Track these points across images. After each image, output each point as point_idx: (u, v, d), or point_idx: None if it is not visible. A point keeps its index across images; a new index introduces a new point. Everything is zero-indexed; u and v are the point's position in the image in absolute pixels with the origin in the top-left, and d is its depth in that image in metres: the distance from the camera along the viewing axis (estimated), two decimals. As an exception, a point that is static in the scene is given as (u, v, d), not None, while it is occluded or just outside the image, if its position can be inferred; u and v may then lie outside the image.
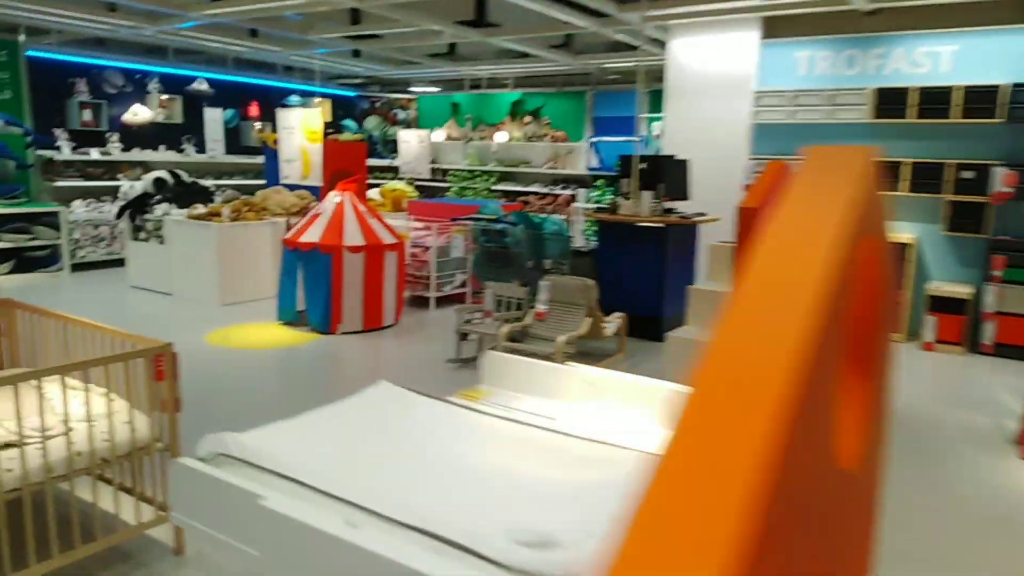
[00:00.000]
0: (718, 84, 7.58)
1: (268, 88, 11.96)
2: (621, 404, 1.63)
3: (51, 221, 8.71)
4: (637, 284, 6.44)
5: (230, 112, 11.21)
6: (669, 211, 6.52)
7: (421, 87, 14.13)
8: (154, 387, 2.75)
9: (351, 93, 13.50)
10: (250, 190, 11.29)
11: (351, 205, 6.61)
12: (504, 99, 12.50)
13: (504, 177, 12.86)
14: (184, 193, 8.05)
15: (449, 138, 13.14)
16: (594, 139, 11.30)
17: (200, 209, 7.70)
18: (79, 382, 2.75)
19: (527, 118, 12.36)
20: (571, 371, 1.76)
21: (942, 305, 6.46)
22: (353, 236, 6.41)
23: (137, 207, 8.03)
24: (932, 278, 6.75)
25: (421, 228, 7.63)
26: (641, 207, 6.37)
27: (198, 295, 7.58)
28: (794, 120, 7.16)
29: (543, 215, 7.07)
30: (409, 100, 13.74)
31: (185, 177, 8.28)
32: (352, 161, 8.96)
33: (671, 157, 6.62)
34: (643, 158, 6.65)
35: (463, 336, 6.35)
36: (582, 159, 11.96)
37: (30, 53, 9.04)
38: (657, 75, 11.56)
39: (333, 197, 6.64)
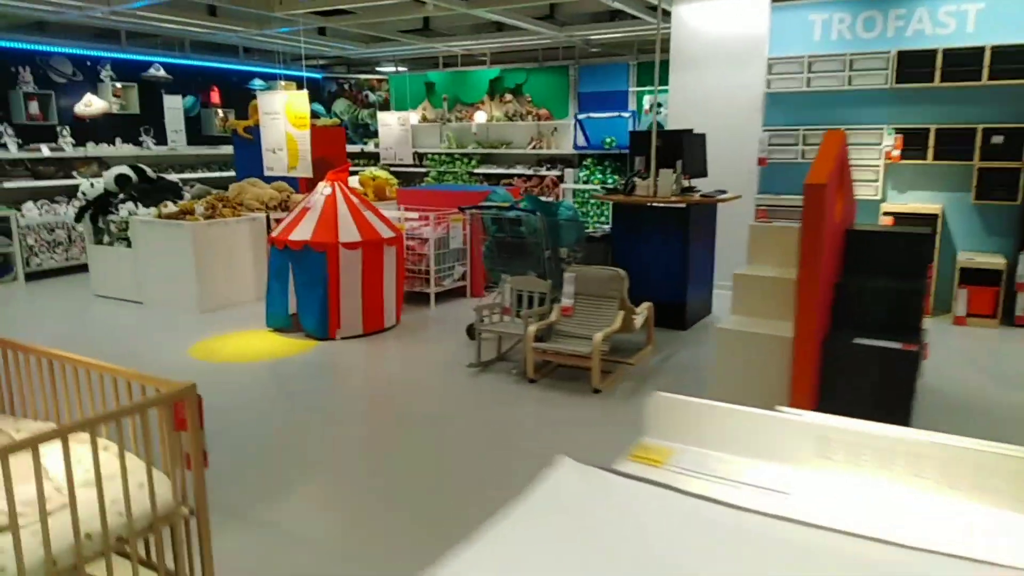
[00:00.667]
0: (727, 52, 7.14)
1: (228, 72, 11.16)
2: (886, 474, 1.17)
3: (0, 227, 7.89)
4: (658, 270, 6.00)
5: (190, 99, 10.40)
6: (688, 190, 6.08)
7: (390, 67, 13.42)
8: (174, 438, 2.20)
9: (316, 75, 12.73)
10: (219, 183, 10.53)
11: (343, 197, 6.02)
12: (482, 76, 11.90)
13: (485, 159, 12.30)
14: (151, 190, 7.32)
15: (424, 120, 12.50)
16: (581, 116, 10.80)
17: (171, 207, 7.00)
18: (81, 435, 2.18)
19: (507, 96, 11.79)
20: (788, 420, 1.29)
21: (973, 277, 6.17)
22: (348, 231, 5.83)
23: (99, 207, 7.28)
24: (962, 249, 6.46)
25: (416, 219, 7.06)
26: (660, 187, 5.92)
27: (173, 303, 6.91)
28: (810, 88, 6.77)
29: (556, 199, 6.56)
30: (379, 81, 13.03)
31: (150, 172, 7.55)
32: (331, 148, 8.33)
33: (689, 131, 6.17)
34: (659, 134, 6.19)
35: (471, 334, 5.85)
36: (568, 138, 11.46)
37: (-36, 40, 8.13)
38: (647, 46, 11.09)
39: (322, 189, 6.03)
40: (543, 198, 6.17)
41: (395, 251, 6.15)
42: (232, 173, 10.64)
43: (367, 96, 13.00)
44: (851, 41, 6.65)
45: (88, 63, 9.30)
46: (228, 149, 10.66)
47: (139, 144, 9.79)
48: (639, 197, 6.02)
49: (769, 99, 7.04)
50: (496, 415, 4.30)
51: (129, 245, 7.17)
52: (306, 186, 7.95)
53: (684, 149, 6.10)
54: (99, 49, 9.39)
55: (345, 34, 11.14)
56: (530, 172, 11.56)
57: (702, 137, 6.44)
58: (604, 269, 4.98)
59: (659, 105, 10.45)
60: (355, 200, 6.08)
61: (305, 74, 12.41)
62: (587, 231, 6.39)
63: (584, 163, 11.12)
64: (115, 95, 9.47)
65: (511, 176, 11.80)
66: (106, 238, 7.37)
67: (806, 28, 6.83)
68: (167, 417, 2.16)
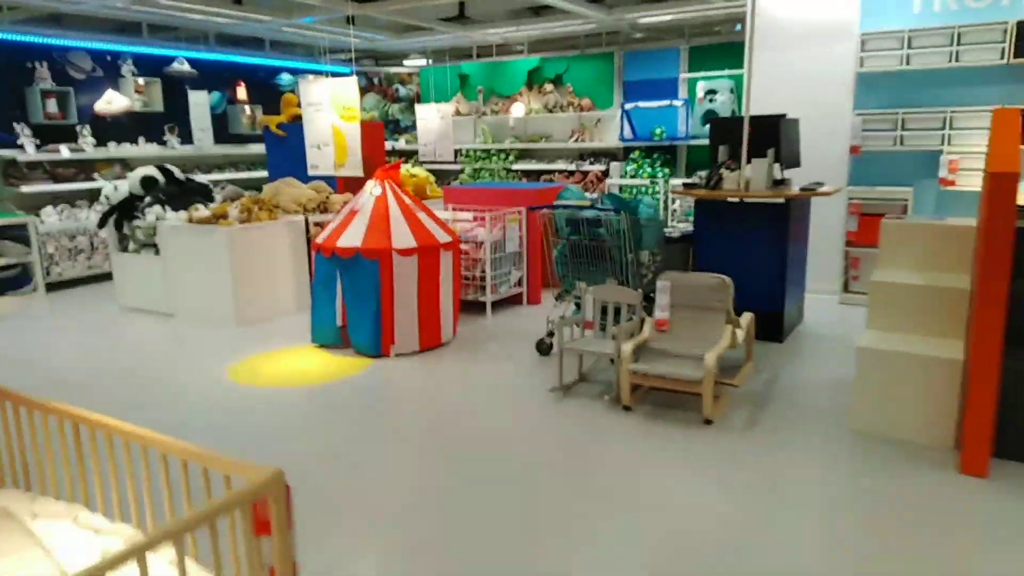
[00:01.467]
0: (814, 29, 6.41)
1: (254, 67, 10.57)
2: None
3: (18, 234, 7.35)
4: (751, 275, 5.31)
5: (216, 95, 9.82)
6: (781, 182, 5.39)
7: (420, 59, 12.78)
8: (253, 546, 1.56)
9: (345, 70, 12.11)
10: (250, 184, 9.95)
11: (395, 198, 5.38)
12: (519, 67, 11.22)
13: (523, 155, 11.63)
14: (179, 193, 6.73)
15: (458, 114, 11.85)
16: (628, 106, 10.10)
17: (202, 211, 6.41)
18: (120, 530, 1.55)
19: (547, 86, 11.11)
20: None
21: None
22: (403, 236, 5.20)
23: (123, 212, 6.70)
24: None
25: (469, 220, 6.41)
26: (753, 180, 5.22)
27: (208, 315, 6.32)
28: (910, 67, 6.03)
29: (635, 196, 5.89)
30: (409, 74, 12.40)
31: (178, 173, 6.95)
32: (371, 145, 7.71)
33: (783, 116, 5.47)
34: (750, 120, 5.49)
35: (541, 349, 5.20)
36: (612, 129, 10.77)
37: (-23, 35, 7.59)
38: (699, 29, 10.38)
39: (371, 189, 5.40)
40: (636, 197, 5.51)
41: (452, 257, 5.51)
42: (263, 173, 10.07)
43: (397, 91, 12.37)
44: (957, 12, 5.90)
45: (108, 57, 8.73)
46: (257, 148, 10.09)
47: (163, 143, 9.22)
48: (727, 192, 5.33)
49: (860, 80, 6.31)
50: (593, 455, 3.64)
51: (157, 252, 6.59)
52: (344, 186, 7.33)
53: (779, 136, 5.40)
54: (120, 43, 8.82)
55: (375, 23, 10.52)
56: (572, 167, 10.88)
57: (796, 123, 5.74)
58: (705, 276, 4.30)
59: (712, 92, 9.75)
60: (408, 201, 5.44)
61: (331, 68, 11.81)
62: (664, 231, 5.71)
63: (631, 156, 10.42)
64: (137, 91, 8.90)
65: (551, 172, 11.12)
66: (132, 245, 6.79)
67: (905, -1, 6.09)
68: (245, 518, 1.53)
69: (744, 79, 5.70)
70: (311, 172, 6.45)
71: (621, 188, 10.32)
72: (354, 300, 5.22)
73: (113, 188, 6.73)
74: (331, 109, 5.95)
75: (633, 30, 10.17)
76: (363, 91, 12.47)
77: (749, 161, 5.27)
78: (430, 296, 5.34)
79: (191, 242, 6.26)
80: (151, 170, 6.77)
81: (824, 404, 4.20)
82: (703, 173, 5.68)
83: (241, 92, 10.20)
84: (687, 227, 5.84)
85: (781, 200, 5.23)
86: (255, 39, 10.69)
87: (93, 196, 8.51)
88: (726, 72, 9.64)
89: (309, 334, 5.61)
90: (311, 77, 6.18)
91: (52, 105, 8.07)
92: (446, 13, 9.96)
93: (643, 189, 10.11)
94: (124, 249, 6.88)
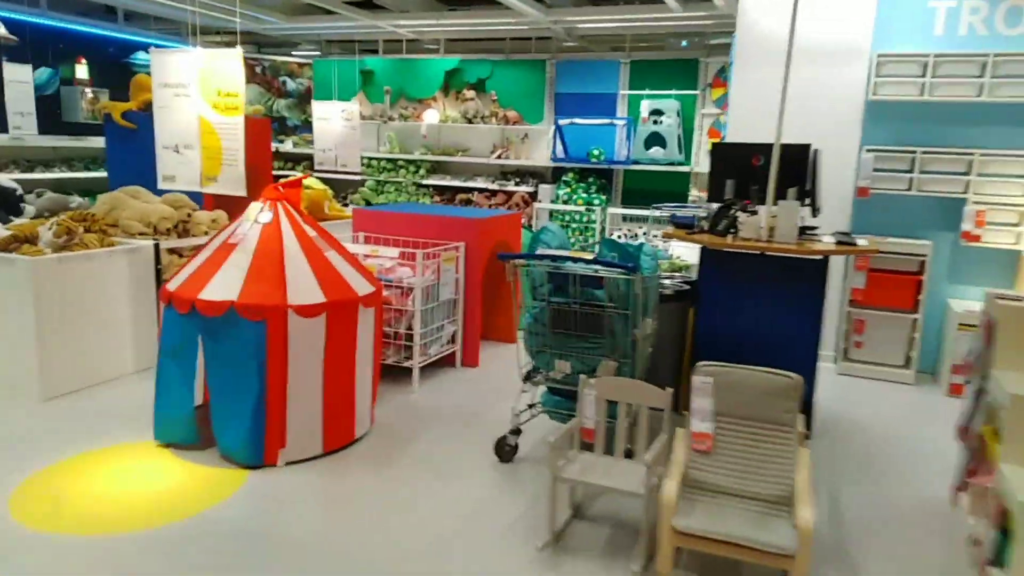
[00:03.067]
0: (817, 46, 5.33)
1: (102, 40, 8.39)
2: None
3: None
4: (773, 349, 4.06)
5: (46, 72, 7.60)
6: (807, 231, 4.19)
7: (311, 49, 10.95)
8: None
9: (222, 54, 10.07)
10: (86, 188, 7.76)
11: (292, 228, 3.70)
12: (435, 67, 9.67)
13: (436, 169, 10.07)
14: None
15: (359, 117, 10.10)
16: (563, 121, 8.80)
17: (-4, 229, 4.41)
18: None
19: (468, 92, 9.62)
20: None
21: None
22: (304, 286, 3.53)
23: None
24: None
25: (388, 256, 4.79)
26: (781, 226, 3.97)
27: (1, 383, 4.32)
28: (931, 97, 5.05)
29: (633, 241, 4.47)
30: (301, 65, 10.53)
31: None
32: (255, 150, 5.93)
33: (806, 146, 4.27)
34: (763, 148, 4.26)
35: (501, 453, 3.69)
36: (542, 147, 9.44)
37: None
38: (643, 41, 9.26)
39: (257, 214, 3.69)
40: (632, 243, 4.06)
41: (374, 315, 3.89)
42: (102, 173, 7.91)
43: (284, 84, 10.47)
44: (987, 38, 4.99)
45: None
46: (99, 142, 7.93)
47: (-36, 128, 6.92)
48: (745, 242, 4.04)
49: (871, 109, 5.29)
50: None
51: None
52: (214, 202, 5.49)
53: (810, 172, 4.20)
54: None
55: (263, 3, 8.66)
56: (495, 186, 9.44)
57: (816, 154, 4.58)
58: (764, 374, 2.95)
59: (658, 113, 8.64)
60: (311, 233, 3.77)
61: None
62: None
63: (564, 178, 9.12)
64: (-75, 56, 6.59)
65: (470, 190, 9.64)
66: None
67: (927, 18, 5.12)
68: None
69: (780, 101, 4.47)
70: (163, 185, 4.43)
71: (552, 214, 8.98)
72: (224, 380, 3.48)
73: None
74: (199, 95, 4.07)
75: (568, 36, 8.91)
76: (243, 82, 10.46)
77: (776, 202, 4.02)
78: (341, 373, 3.69)
79: (-25, 275, 4.25)
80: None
81: (934, 552, 2.94)
82: (703, 209, 4.39)
83: (81, 70, 8.01)
84: (679, 282, 4.52)
85: (819, 257, 4.01)
86: (106, 7, 8.52)
87: None
88: (673, 92, 8.57)
89: (150, 423, 3.79)
90: (170, 49, 4.29)
91: None
92: (351, -3, 8.29)
93: (578, 216, 8.82)
94: None
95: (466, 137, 9.89)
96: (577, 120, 8.76)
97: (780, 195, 4.11)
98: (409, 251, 4.68)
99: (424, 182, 9.85)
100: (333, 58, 10.49)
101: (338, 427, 3.74)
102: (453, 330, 5.12)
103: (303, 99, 10.45)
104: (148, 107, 5.86)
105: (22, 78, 7.11)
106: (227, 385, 3.48)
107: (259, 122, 6.18)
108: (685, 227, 4.40)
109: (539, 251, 3.59)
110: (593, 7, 7.88)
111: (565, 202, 8.96)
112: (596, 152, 8.77)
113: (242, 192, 3.87)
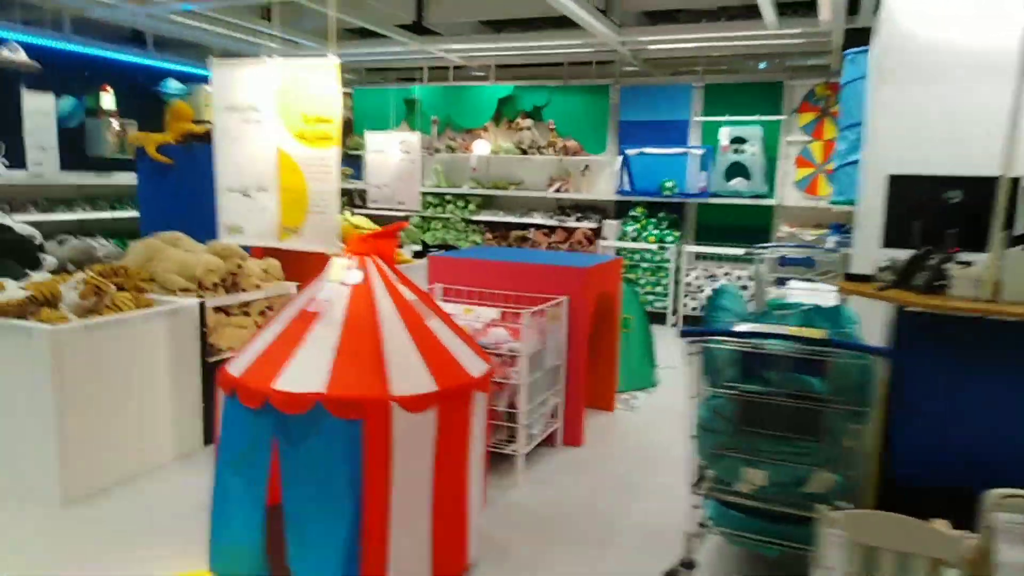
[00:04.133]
0: (980, 56, 4.48)
1: (129, 67, 7.69)
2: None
3: None
4: (1010, 450, 3.13)
5: (69, 102, 6.88)
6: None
7: (350, 75, 10.25)
8: None
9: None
10: (112, 230, 7.00)
11: (388, 292, 2.86)
12: (486, 94, 8.91)
13: (486, 203, 9.26)
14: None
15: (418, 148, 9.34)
16: (631, 151, 8.00)
17: (12, 290, 3.59)
18: None
19: (523, 120, 8.85)
20: None
21: None
22: (409, 369, 2.67)
23: None
24: None
25: (483, 317, 3.94)
26: (1010, 282, 3.08)
27: (11, 483, 3.47)
28: None
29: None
30: (344, 94, 9.81)
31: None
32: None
33: (1015, 180, 3.41)
34: (962, 182, 3.41)
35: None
36: (604, 179, 8.63)
37: None
38: (720, 63, 8.47)
39: (343, 271, 2.85)
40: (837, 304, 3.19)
41: (484, 402, 3.01)
42: (133, 213, 7.14)
43: (323, 114, 9.73)
44: None
45: None
46: (126, 178, 7.17)
47: (-23, 165, 6.17)
48: (960, 302, 3.15)
49: (1051, 133, 4.41)
50: None
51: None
52: (263, 250, 4.65)
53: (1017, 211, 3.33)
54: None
55: (301, 27, 7.95)
56: (553, 222, 8.62)
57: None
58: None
59: (740, 141, 7.83)
60: (410, 297, 2.92)
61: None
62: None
63: (632, 213, 8.29)
64: (-64, 85, 5.87)
65: (526, 226, 8.82)
66: None
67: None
68: None
69: (872, 122, 3.63)
70: (229, 238, 3.44)
71: (619, 252, 8.13)
72: (305, 498, 2.61)
73: None
74: (278, 120, 3.20)
75: (633, 59, 8.14)
76: (277, 113, 9.75)
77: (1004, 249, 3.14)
78: (453, 480, 2.81)
79: (-18, 347, 3.42)
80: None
81: None
82: (887, 260, 3.51)
83: (107, 99, 7.29)
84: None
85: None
86: (132, 30, 7.84)
87: None
88: (755, 117, 7.75)
89: (198, 536, 2.91)
90: (232, 60, 3.43)
91: None
92: (401, 19, 7.58)
93: (648, 255, 7.97)
94: None
95: (519, 169, 9.10)
96: (647, 149, 7.95)
97: (976, 235, 3.24)
98: (511, 308, 3.82)
99: (474, 218, 9.04)
100: (376, 86, 9.78)
101: (449, 552, 2.85)
102: (555, 403, 4.23)
103: (347, 131, 9.71)
104: (187, 139, 5.11)
105: (42, 108, 6.38)
106: (310, 504, 2.61)
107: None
108: (858, 280, 3.51)
109: (725, 322, 2.71)
110: (673, 24, 7.10)
111: (634, 239, 8.12)
112: (669, 184, 7.94)
113: (336, 247, 2.96)
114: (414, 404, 2.62)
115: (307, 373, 2.60)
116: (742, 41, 7.02)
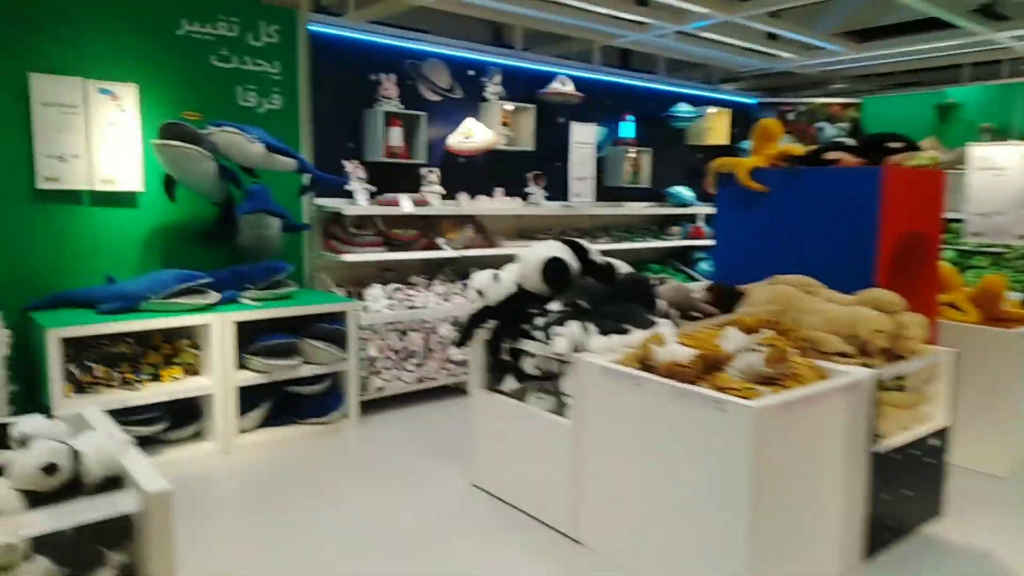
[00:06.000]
0: None
1: (643, 93, 7.45)
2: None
3: (329, 331, 4.68)
4: None
5: (602, 131, 6.83)
6: None
7: (841, 85, 8.86)
8: None
9: (750, 100, 8.62)
10: (633, 263, 6.74)
11: None
12: (1072, 91, 6.75)
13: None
14: (606, 297, 3.52)
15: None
16: None
17: (669, 344, 3.05)
18: None
19: None
20: None
21: None
22: None
23: (506, 324, 3.62)
24: None
25: None
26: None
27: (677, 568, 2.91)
28: None
29: None
30: (844, 106, 8.53)
31: (596, 256, 3.78)
32: (923, 212, 4.00)
33: None
34: None
35: None
36: None
37: (313, 28, 5.24)
38: None
39: None
40: None
41: None
42: (652, 244, 6.81)
43: (821, 131, 8.55)
44: None
45: (470, 72, 6.07)
46: (634, 208, 6.88)
47: (525, 197, 6.33)
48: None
49: None
50: None
51: (560, 405, 3.38)
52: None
53: None
54: (485, 53, 6.14)
55: (822, 27, 6.84)
56: None
57: None
58: None
59: None
60: None
61: (730, 97, 8.39)
62: None
63: None
64: (503, 122, 6.13)
65: None
66: (509, 382, 3.69)
67: None
68: None
69: None
70: None
71: None
72: None
73: (491, 279, 3.69)
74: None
75: None
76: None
77: None
78: None
79: (606, 407, 2.92)
80: (559, 250, 3.65)
81: None
82: None
83: (627, 128, 7.10)
84: None
85: None
86: (644, 55, 7.63)
87: (434, 269, 5.83)
88: None
89: None
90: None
91: (396, 136, 5.50)
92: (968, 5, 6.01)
93: None
94: (497, 383, 3.80)
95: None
96: None
97: None
98: None
99: (1035, 255, 6.91)
100: (888, 93, 8.28)
101: None
102: None
103: (846, 147, 8.38)
104: (783, 163, 4.32)
105: (585, 139, 6.34)
106: None
107: (929, 175, 4.21)
108: None
109: None
110: None
111: None
112: None
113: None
114: None
115: None
116: None
